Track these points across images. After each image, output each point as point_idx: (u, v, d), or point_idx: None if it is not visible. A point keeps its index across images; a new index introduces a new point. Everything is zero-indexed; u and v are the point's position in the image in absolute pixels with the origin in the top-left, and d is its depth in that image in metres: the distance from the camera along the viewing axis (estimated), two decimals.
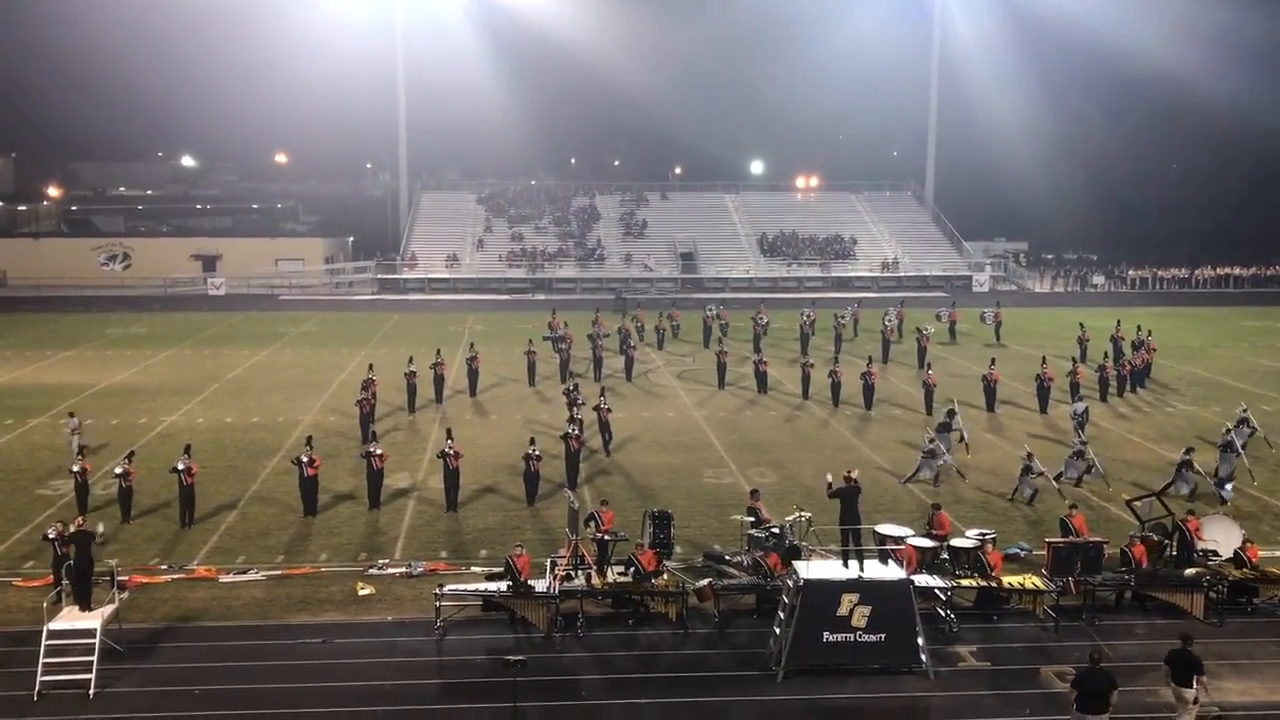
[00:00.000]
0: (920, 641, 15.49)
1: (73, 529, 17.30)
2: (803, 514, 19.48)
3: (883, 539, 18.15)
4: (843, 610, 15.36)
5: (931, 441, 25.18)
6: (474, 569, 19.38)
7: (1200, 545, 18.47)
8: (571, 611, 17.01)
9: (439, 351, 35.13)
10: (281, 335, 49.17)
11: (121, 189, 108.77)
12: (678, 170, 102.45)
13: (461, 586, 17.64)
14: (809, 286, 68.32)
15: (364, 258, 77.13)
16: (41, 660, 14.93)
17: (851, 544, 17.29)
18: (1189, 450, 24.01)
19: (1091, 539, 18.25)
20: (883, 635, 15.40)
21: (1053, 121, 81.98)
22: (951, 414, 26.96)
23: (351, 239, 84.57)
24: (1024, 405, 33.21)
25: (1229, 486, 23.56)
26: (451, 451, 22.83)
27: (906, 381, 36.52)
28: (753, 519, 19.45)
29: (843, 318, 44.38)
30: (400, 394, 32.78)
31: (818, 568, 16.07)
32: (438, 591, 17.05)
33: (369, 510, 22.88)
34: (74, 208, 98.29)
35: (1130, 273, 75.16)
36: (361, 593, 18.40)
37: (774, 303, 55.62)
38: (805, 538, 18.86)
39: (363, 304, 64.36)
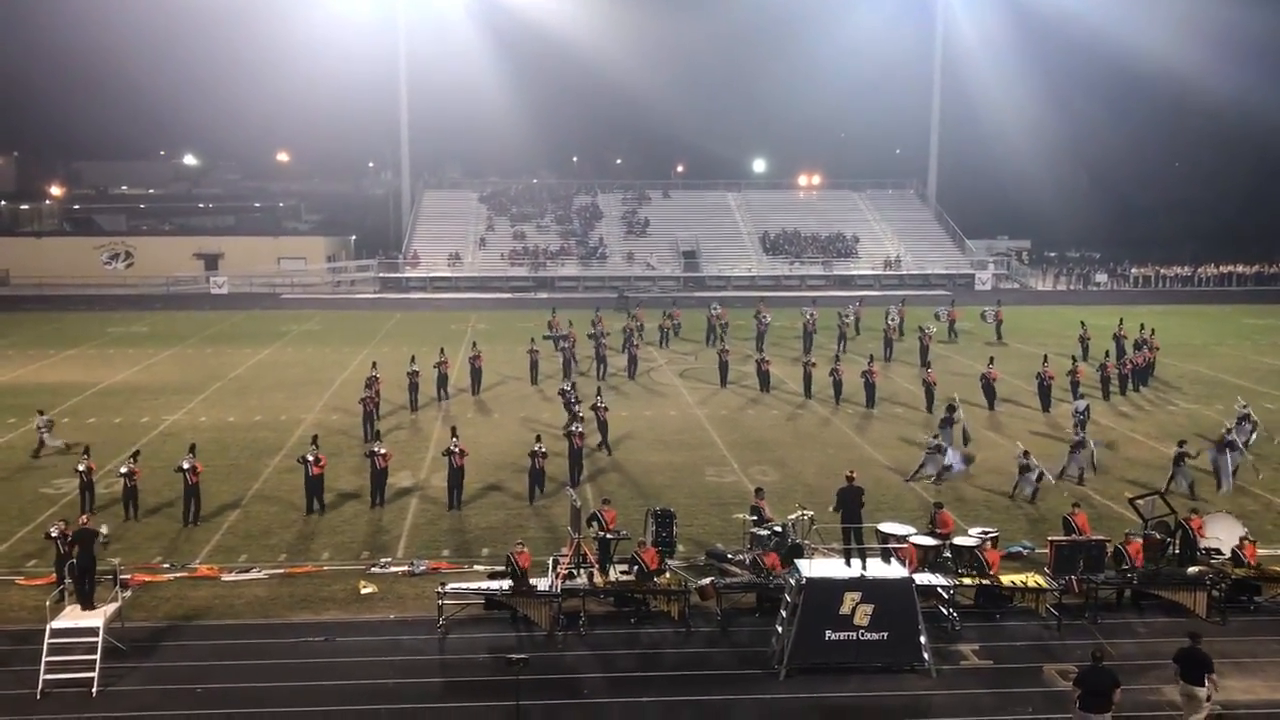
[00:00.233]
0: (923, 640, 15.48)
1: (75, 527, 17.32)
2: (805, 512, 19.48)
3: (885, 537, 18.16)
4: (845, 609, 15.35)
5: (935, 438, 25.19)
6: (476, 567, 19.39)
7: (1203, 543, 18.47)
8: (574, 610, 17.00)
9: (442, 350, 35.16)
10: (284, 334, 49.20)
11: (124, 188, 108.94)
12: (680, 168, 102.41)
13: (464, 585, 17.63)
14: (811, 285, 68.32)
15: (366, 256, 77.16)
16: (44, 659, 14.95)
17: (853, 542, 17.28)
18: (1182, 443, 24.12)
19: (1094, 537, 18.25)
20: (885, 634, 15.38)
21: (1056, 119, 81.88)
22: (952, 409, 26.99)
23: (354, 238, 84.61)
24: (1025, 404, 33.18)
25: (1231, 477, 23.65)
26: (457, 449, 22.86)
27: (908, 380, 36.50)
28: (755, 517, 19.45)
29: (847, 316, 44.38)
30: (403, 393, 32.79)
31: (820, 566, 16.06)
32: (440, 590, 17.06)
33: (371, 509, 22.89)
34: (76, 206, 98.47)
35: (1133, 271, 75.08)
36: (364, 591, 18.40)
37: (776, 301, 55.56)
38: (808, 536, 18.87)
39: (365, 303, 64.40)
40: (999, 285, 70.25)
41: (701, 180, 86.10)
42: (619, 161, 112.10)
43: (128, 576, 17.79)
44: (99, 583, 16.38)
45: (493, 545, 20.53)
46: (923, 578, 17.07)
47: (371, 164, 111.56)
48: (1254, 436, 26.80)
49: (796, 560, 16.52)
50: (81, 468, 22.35)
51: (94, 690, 14.82)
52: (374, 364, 33.39)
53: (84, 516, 18.35)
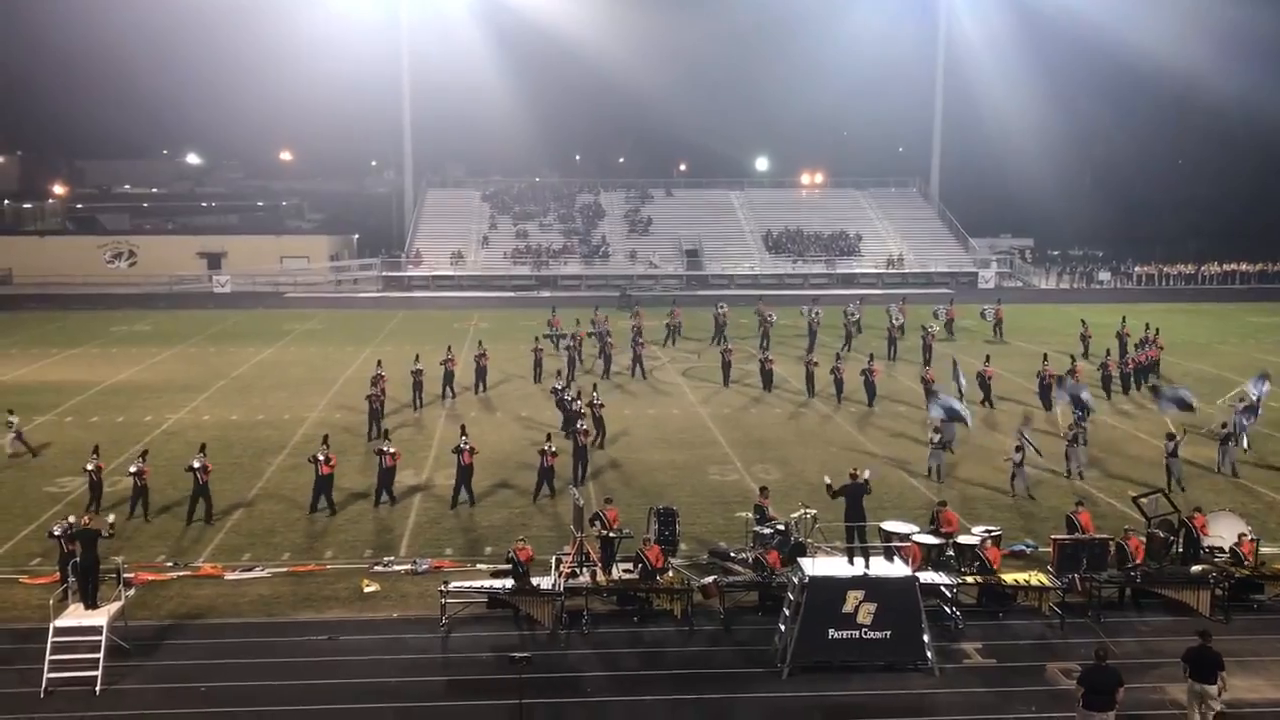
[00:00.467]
0: (926, 638, 15.48)
1: (78, 526, 17.33)
2: (808, 511, 19.48)
3: (888, 536, 18.15)
4: (848, 607, 15.35)
5: (936, 431, 25.24)
6: (479, 566, 19.41)
7: (1206, 541, 18.45)
8: (576, 609, 17.02)
9: (449, 348, 35.21)
10: (287, 333, 49.23)
11: (127, 187, 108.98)
12: (682, 167, 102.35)
13: (467, 583, 17.66)
14: (814, 283, 68.28)
15: (369, 255, 77.17)
16: (48, 657, 14.99)
17: (857, 541, 17.26)
18: (1171, 436, 24.27)
19: (1097, 536, 18.24)
20: (888, 632, 15.39)
21: (1059, 117, 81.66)
22: (927, 383, 27.21)
23: (356, 236, 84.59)
24: (1025, 402, 33.16)
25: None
26: (466, 447, 22.88)
27: (910, 378, 36.48)
28: (758, 516, 19.45)
29: (852, 315, 44.35)
30: (407, 391, 32.82)
31: (823, 565, 16.07)
32: (443, 588, 17.08)
33: (375, 507, 22.91)
34: (79, 205, 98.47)
35: (1137, 269, 74.85)
36: (367, 590, 18.43)
37: (779, 299, 55.47)
38: (810, 535, 18.87)
39: (368, 301, 64.44)
40: (1002, 284, 70.15)
41: (704, 179, 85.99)
42: (621, 160, 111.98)
43: (131, 575, 17.82)
44: (103, 581, 16.41)
45: (496, 543, 20.52)
46: (926, 576, 17.06)
47: (374, 163, 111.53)
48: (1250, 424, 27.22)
49: (799, 559, 16.52)
50: (90, 466, 22.38)
51: (97, 689, 14.85)
52: (379, 361, 33.40)
53: (86, 516, 18.35)
